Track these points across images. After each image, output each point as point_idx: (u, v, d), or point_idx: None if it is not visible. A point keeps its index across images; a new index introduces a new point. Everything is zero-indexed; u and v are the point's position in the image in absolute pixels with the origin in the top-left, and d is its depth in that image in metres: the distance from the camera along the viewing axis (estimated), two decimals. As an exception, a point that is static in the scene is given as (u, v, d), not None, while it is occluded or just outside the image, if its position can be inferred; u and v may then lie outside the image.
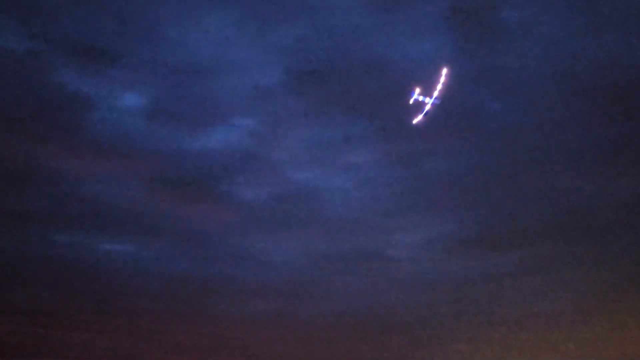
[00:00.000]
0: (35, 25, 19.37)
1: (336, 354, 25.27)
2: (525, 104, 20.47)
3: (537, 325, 22.44)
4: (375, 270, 23.88)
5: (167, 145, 22.11)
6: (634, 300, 21.37)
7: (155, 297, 24.64)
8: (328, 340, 24.53)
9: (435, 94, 18.29)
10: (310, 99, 21.29)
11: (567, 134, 21.10)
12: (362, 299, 24.24)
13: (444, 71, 18.45)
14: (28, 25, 19.38)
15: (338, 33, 20.17)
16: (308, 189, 23.32)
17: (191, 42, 20.31)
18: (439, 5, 19.67)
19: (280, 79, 20.87)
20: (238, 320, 24.65)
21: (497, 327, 22.51)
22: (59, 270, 24.05)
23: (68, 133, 21.40)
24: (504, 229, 22.58)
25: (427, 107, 18.34)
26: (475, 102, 20.84)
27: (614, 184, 21.21)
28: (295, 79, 20.83)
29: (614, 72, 19.54)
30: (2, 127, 21.12)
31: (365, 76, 20.87)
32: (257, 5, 19.61)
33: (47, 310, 24.61)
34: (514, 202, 22.30)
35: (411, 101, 18.39)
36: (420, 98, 18.44)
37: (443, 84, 18.33)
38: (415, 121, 18.80)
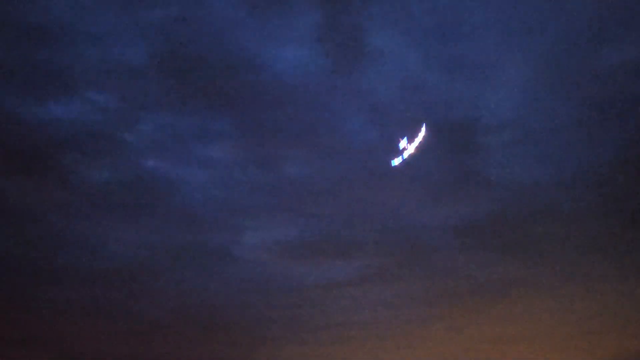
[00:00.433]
0: None
1: (164, 350, 24.61)
2: (381, 125, 21.77)
3: (369, 331, 24.18)
4: (217, 268, 23.74)
5: (4, 110, 19.77)
6: (454, 311, 24.12)
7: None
8: (159, 336, 23.79)
9: (415, 144, 19.86)
10: (174, 85, 20.43)
11: (409, 160, 22.81)
12: (199, 296, 23.88)
13: (423, 128, 19.99)
14: None
15: (210, 24, 19.67)
16: (158, 178, 22.34)
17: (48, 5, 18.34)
18: (313, 17, 20.10)
19: (144, 59, 19.67)
20: (62, 309, 22.84)
21: (331, 332, 23.78)
22: None
23: None
24: (345, 238, 23.87)
25: (406, 153, 19.93)
26: (339, 118, 21.70)
27: (445, 209, 23.45)
28: (159, 62, 19.81)
29: (459, 109, 21.53)
30: None
31: (232, 73, 20.58)
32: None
33: None
34: (356, 214, 23.65)
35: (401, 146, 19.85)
36: (403, 145, 19.89)
37: (422, 137, 19.91)
38: (394, 164, 20.21)
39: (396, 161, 20.27)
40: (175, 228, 22.99)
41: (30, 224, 22.40)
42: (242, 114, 21.56)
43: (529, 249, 23.42)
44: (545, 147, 22.43)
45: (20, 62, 19.23)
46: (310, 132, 22.03)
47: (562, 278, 23.74)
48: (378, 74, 21.35)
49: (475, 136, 22.06)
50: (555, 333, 24.25)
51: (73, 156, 21.45)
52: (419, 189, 22.99)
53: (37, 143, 20.70)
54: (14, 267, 22.54)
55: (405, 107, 21.86)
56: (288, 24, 20.19)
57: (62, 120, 20.54)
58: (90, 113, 20.85)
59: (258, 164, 22.60)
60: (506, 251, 23.57)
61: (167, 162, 22.35)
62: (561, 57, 20.59)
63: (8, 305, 22.66)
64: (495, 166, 22.62)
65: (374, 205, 23.44)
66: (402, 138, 21.02)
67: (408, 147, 19.99)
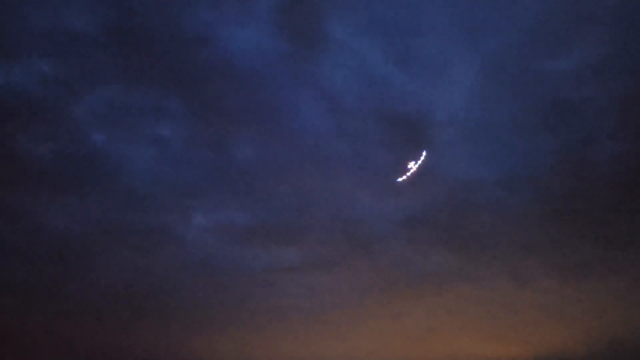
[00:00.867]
0: None
1: (102, 331, 24.02)
2: (335, 114, 21.95)
3: (313, 317, 24.49)
4: (161, 249, 23.29)
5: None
6: (396, 300, 24.80)
7: None
8: (98, 316, 23.17)
9: (420, 161, 21.94)
10: (125, 59, 19.86)
11: (360, 150, 23.17)
12: (141, 277, 23.41)
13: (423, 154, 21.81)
14: None
15: (167, -1, 19.23)
16: (104, 153, 21.64)
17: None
18: (273, 0, 20.00)
19: (95, 29, 19.05)
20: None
21: (274, 317, 23.93)
22: None
23: None
24: (293, 225, 23.97)
25: (412, 170, 21.84)
26: (293, 104, 21.71)
27: (391, 201, 23.94)
28: (112, 34, 19.21)
29: (412, 104, 22.00)
30: None
31: (187, 51, 20.24)
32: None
33: None
34: (305, 201, 23.80)
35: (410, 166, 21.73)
36: (411, 165, 21.81)
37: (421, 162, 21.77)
38: (399, 179, 22.10)
39: (401, 179, 22.15)
40: (119, 205, 22.41)
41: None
42: (195, 93, 21.25)
43: (469, 244, 24.24)
44: (489, 146, 23.25)
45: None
46: (264, 116, 21.96)
47: (499, 272, 24.73)
48: (335, 62, 21.50)
49: (425, 131, 22.61)
50: (489, 324, 25.26)
51: (13, 126, 20.53)
52: (369, 180, 23.38)
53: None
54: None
55: (359, 98, 22.21)
56: (247, 5, 19.99)
57: (2, 89, 19.65)
58: (34, 82, 20.02)
59: (208, 145, 22.35)
60: (447, 244, 24.31)
61: (114, 138, 21.74)
62: (510, 60, 21.37)
63: None
64: (442, 162, 23.26)
65: (323, 194, 23.64)
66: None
67: (413, 168, 21.97)
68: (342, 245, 23.90)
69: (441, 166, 23.29)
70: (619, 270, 24.23)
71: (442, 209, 23.68)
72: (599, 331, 24.66)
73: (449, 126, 22.59)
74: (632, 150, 21.76)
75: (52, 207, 22.12)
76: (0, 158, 20.94)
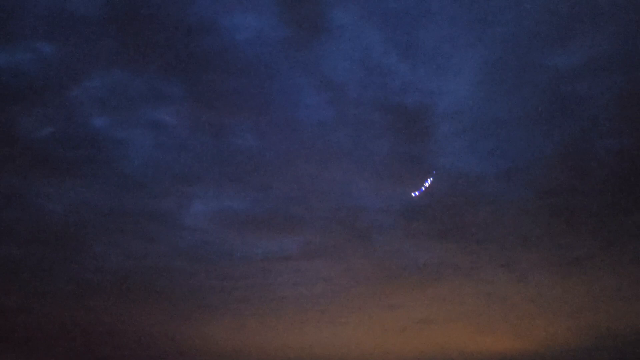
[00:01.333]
0: None
1: (95, 316, 24.09)
2: (336, 103, 21.87)
3: (308, 305, 24.61)
4: (159, 234, 23.32)
5: None
6: (391, 290, 24.92)
7: None
8: (94, 299, 23.24)
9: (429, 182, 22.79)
10: (127, 43, 19.71)
11: (361, 140, 23.13)
12: (139, 262, 23.45)
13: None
14: None
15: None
16: (103, 138, 21.56)
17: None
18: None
19: (99, 13, 18.84)
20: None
21: (271, 305, 24.03)
22: None
23: None
24: (291, 214, 24.00)
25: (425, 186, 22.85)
26: (294, 92, 21.60)
27: (390, 192, 23.94)
28: (114, 17, 19.03)
29: (413, 95, 21.95)
30: None
31: (189, 36, 20.11)
32: None
33: None
34: (304, 191, 23.81)
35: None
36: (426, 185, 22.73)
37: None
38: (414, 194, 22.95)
39: (416, 192, 23.23)
40: (118, 190, 22.38)
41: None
42: (196, 80, 21.14)
43: (467, 236, 24.33)
44: (489, 139, 23.24)
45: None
46: (264, 103, 21.89)
47: (496, 266, 24.86)
48: (337, 51, 21.42)
49: (426, 123, 22.57)
50: (485, 317, 25.44)
51: (13, 108, 20.42)
52: (368, 171, 23.38)
53: (-27, 91, 19.59)
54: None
55: (361, 87, 22.13)
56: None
57: (3, 71, 19.51)
58: (35, 64, 19.86)
59: (209, 132, 22.27)
60: (444, 236, 24.38)
61: (114, 122, 21.62)
62: (513, 53, 21.30)
63: None
64: (442, 154, 23.29)
65: (322, 184, 23.65)
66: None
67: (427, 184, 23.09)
68: (340, 235, 23.99)
69: (441, 158, 23.36)
70: (617, 266, 24.36)
71: (440, 201, 23.76)
72: (595, 326, 24.85)
73: (450, 118, 22.59)
74: (633, 146, 21.80)
75: (50, 191, 22.12)
76: (0, 140, 20.87)
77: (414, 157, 23.22)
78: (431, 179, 22.68)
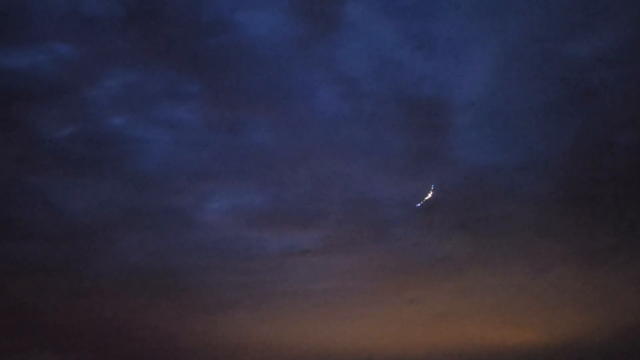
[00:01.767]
0: None
1: (119, 311, 24.47)
2: (351, 98, 21.90)
3: (326, 300, 24.73)
4: (178, 232, 23.56)
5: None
6: (410, 283, 24.93)
7: None
8: (114, 295, 23.61)
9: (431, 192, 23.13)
10: (143, 42, 19.97)
11: (377, 134, 23.12)
12: (158, 258, 23.72)
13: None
14: None
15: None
16: (121, 136, 21.83)
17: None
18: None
19: (115, 12, 19.15)
20: (13, 265, 22.38)
21: (289, 300, 24.20)
22: None
23: None
24: (308, 209, 24.12)
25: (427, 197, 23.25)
26: (309, 88, 21.70)
27: (407, 186, 23.88)
28: (129, 16, 19.30)
29: (428, 87, 21.89)
30: None
31: (204, 34, 20.31)
32: None
33: None
34: (321, 185, 23.88)
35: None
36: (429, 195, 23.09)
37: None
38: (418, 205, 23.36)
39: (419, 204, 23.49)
40: (137, 188, 22.67)
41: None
42: (212, 77, 21.34)
43: (486, 228, 24.17)
44: (507, 131, 23.09)
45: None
46: (280, 99, 22.01)
47: (515, 258, 24.64)
48: (351, 46, 21.44)
49: (442, 115, 22.48)
50: (504, 310, 25.24)
51: (33, 109, 20.80)
52: (384, 164, 23.36)
53: (-4, 92, 20.00)
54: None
55: (376, 81, 22.12)
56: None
57: (22, 71, 19.88)
58: (53, 64, 20.20)
59: (225, 129, 22.45)
60: (463, 229, 24.26)
61: (131, 121, 21.90)
62: (530, 43, 21.13)
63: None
64: (458, 146, 23.15)
65: (338, 178, 23.68)
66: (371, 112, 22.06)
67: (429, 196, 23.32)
68: (358, 229, 24.00)
69: (459, 150, 23.24)
70: (637, 257, 24.04)
71: (458, 193, 23.65)
72: (615, 318, 24.54)
73: (467, 110, 22.47)
74: (653, 135, 21.48)
75: (70, 190, 22.49)
76: (21, 141, 21.28)
77: (431, 149, 23.15)
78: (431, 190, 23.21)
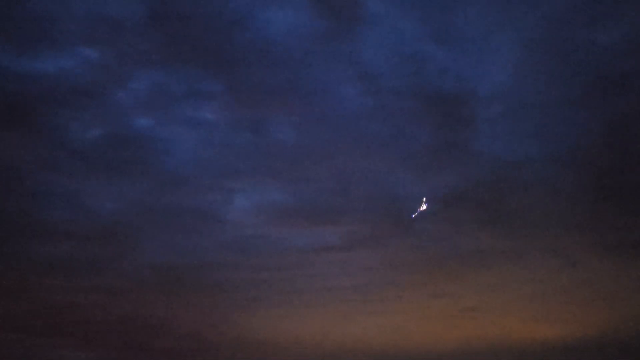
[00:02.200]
0: None
1: (147, 309, 24.87)
2: (373, 93, 21.84)
3: (353, 295, 24.74)
4: (202, 229, 23.88)
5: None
6: (437, 278, 24.73)
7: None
8: (142, 294, 24.05)
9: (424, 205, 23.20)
10: (166, 43, 20.25)
11: (400, 129, 23.00)
12: (183, 256, 24.06)
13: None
14: None
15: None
16: (146, 137, 22.23)
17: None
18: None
19: (138, 14, 19.46)
20: (45, 264, 22.97)
21: (316, 296, 24.27)
22: None
23: None
24: (333, 205, 24.14)
25: (421, 208, 23.34)
26: (331, 84, 21.73)
27: (431, 180, 23.74)
28: (153, 19, 19.60)
29: (451, 80, 21.70)
30: None
31: (226, 33, 20.49)
32: None
33: None
34: (345, 181, 23.88)
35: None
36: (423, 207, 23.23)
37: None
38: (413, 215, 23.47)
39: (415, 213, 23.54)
40: (163, 188, 23.04)
41: (16, 179, 22.35)
42: (234, 76, 21.52)
43: (513, 222, 23.81)
44: (533, 122, 22.70)
45: (8, 13, 18.99)
46: (302, 97, 22.08)
47: (544, 251, 24.23)
48: (373, 41, 21.37)
49: (466, 108, 22.24)
50: (534, 304, 24.83)
51: (62, 112, 21.28)
52: (408, 158, 23.22)
53: (26, 98, 20.49)
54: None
55: (398, 76, 22.00)
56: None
57: (51, 75, 20.32)
58: (81, 68, 20.64)
59: (248, 127, 22.64)
60: (490, 222, 23.95)
61: (157, 121, 22.28)
62: (554, 32, 20.73)
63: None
64: (484, 139, 22.87)
65: (361, 174, 23.64)
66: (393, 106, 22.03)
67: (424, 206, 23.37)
68: (382, 224, 23.92)
69: (483, 143, 22.95)
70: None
71: (484, 186, 23.35)
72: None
73: (491, 102, 22.17)
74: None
75: (100, 190, 22.96)
76: (49, 142, 21.81)
77: (455, 143, 22.89)
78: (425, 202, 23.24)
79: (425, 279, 24.64)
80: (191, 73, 21.46)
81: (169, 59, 21.02)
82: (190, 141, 22.74)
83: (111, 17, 19.60)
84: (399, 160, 23.26)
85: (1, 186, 22.30)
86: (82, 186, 22.73)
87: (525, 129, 22.82)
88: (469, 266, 24.55)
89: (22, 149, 21.76)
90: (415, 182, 23.56)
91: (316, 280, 24.60)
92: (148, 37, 20.17)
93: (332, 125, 22.75)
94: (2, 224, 22.59)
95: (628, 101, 21.35)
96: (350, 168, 23.46)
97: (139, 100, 21.78)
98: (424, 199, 22.95)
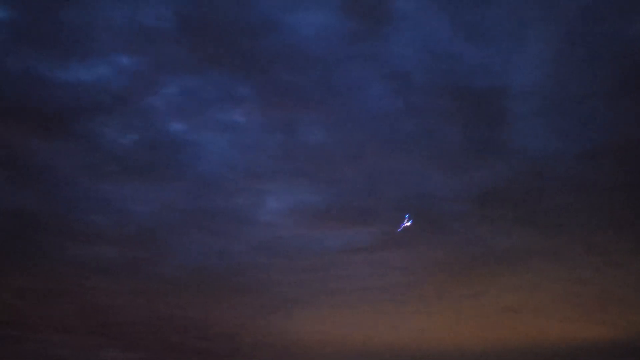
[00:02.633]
0: None
1: (183, 310, 25.39)
2: (403, 92, 21.68)
3: (385, 296, 24.70)
4: (235, 231, 24.23)
5: (26, 71, 20.05)
6: (470, 279, 24.46)
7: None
8: (178, 295, 24.56)
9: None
10: (198, 49, 20.58)
11: (431, 128, 22.76)
12: (217, 258, 24.49)
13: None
14: None
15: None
16: (180, 141, 22.67)
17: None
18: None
19: (169, 21, 19.81)
20: (86, 267, 23.72)
21: (347, 297, 24.34)
22: None
23: None
24: (363, 205, 24.10)
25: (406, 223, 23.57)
26: (360, 84, 21.64)
27: (465, 178, 23.42)
28: (184, 25, 19.94)
29: (483, 77, 21.31)
30: None
31: (256, 37, 20.64)
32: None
33: None
34: (375, 181, 23.80)
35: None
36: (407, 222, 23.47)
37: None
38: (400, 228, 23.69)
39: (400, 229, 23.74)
40: (196, 191, 23.45)
41: (58, 185, 23.12)
42: (264, 79, 21.69)
43: (548, 220, 23.34)
44: (568, 118, 22.14)
45: (45, 24, 19.57)
46: (332, 97, 22.09)
47: (581, 250, 23.68)
48: (402, 39, 21.17)
49: (499, 105, 21.85)
50: (573, 304, 24.33)
51: (98, 119, 21.88)
52: (440, 157, 22.98)
53: (64, 106, 21.12)
54: (42, 225, 23.38)
55: (428, 74, 21.76)
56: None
57: (87, 84, 20.88)
58: (115, 76, 21.19)
59: (279, 129, 22.80)
60: (524, 221, 23.53)
61: (190, 126, 22.70)
62: (590, 26, 20.14)
63: (34, 260, 23.64)
64: (517, 135, 22.44)
65: (394, 173, 23.53)
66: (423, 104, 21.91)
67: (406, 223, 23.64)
68: (414, 224, 23.76)
69: (518, 140, 22.52)
70: None
71: (519, 184, 22.94)
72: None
73: (525, 98, 21.74)
74: None
75: (135, 194, 23.54)
76: (89, 149, 22.46)
77: (488, 140, 22.54)
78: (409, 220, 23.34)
79: (460, 279, 24.42)
80: (222, 77, 21.76)
81: (200, 65, 21.34)
82: (222, 144, 23.13)
83: (144, 25, 20.02)
84: (431, 159, 23.09)
85: (44, 192, 23.17)
86: (119, 190, 23.39)
87: (560, 125, 22.31)
88: (504, 266, 24.22)
89: (62, 156, 22.51)
90: (448, 181, 23.38)
91: (349, 281, 24.69)
92: (179, 44, 20.54)
93: (363, 125, 22.72)
94: (46, 228, 23.45)
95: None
96: (382, 168, 23.42)
97: (172, 105, 22.25)
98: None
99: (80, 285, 24.35)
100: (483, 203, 23.44)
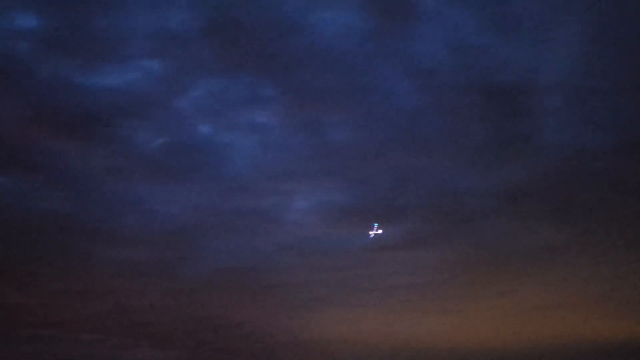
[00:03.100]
0: None
1: (214, 310, 25.65)
2: (429, 89, 21.52)
3: (414, 295, 24.57)
4: (263, 231, 24.38)
5: (58, 77, 20.53)
6: (500, 276, 24.17)
7: (28, 233, 23.44)
8: (208, 294, 24.84)
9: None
10: (223, 51, 20.79)
11: (457, 124, 22.54)
12: (246, 258, 24.68)
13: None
14: None
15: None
16: (207, 143, 22.92)
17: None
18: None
19: (195, 25, 20.07)
20: (118, 268, 24.17)
21: (376, 295, 24.30)
22: None
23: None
24: (391, 203, 24.00)
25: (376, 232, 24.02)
26: (386, 82, 21.59)
27: (493, 175, 23.13)
28: (210, 28, 20.19)
29: (510, 72, 21.03)
30: None
31: (280, 38, 20.77)
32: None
33: None
34: (402, 179, 23.69)
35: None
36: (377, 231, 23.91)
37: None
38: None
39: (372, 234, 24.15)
40: (225, 192, 23.68)
41: (90, 188, 23.62)
42: (290, 79, 21.80)
43: (578, 216, 22.88)
44: (599, 111, 21.68)
45: (76, 31, 20.04)
46: (357, 96, 22.07)
47: (613, 245, 23.11)
48: (427, 36, 21.01)
49: (526, 99, 21.52)
50: (611, 301, 23.77)
51: (128, 123, 22.29)
52: (469, 154, 22.74)
53: (95, 111, 21.59)
54: (74, 227, 23.90)
55: (454, 71, 21.56)
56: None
57: (117, 88, 21.28)
58: (144, 80, 21.53)
59: (305, 129, 22.86)
60: (554, 217, 23.11)
61: (217, 128, 22.96)
62: (617, 18, 19.71)
63: (68, 261, 24.20)
64: (546, 130, 22.09)
65: (420, 170, 23.37)
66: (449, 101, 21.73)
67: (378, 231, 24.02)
68: (442, 221, 23.57)
69: (547, 135, 22.15)
70: None
71: (549, 179, 22.53)
72: None
73: (554, 92, 21.37)
74: None
75: (165, 196, 23.93)
76: (120, 152, 22.90)
77: (517, 136, 22.19)
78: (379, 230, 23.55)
79: (491, 277, 24.10)
80: (248, 79, 21.96)
81: (226, 67, 21.57)
82: (249, 146, 23.33)
83: (171, 30, 20.35)
84: (458, 156, 22.85)
85: (77, 195, 23.72)
86: (150, 192, 23.79)
87: (592, 119, 21.84)
88: (535, 263, 23.80)
89: (94, 160, 23.01)
90: (476, 178, 23.11)
91: (377, 280, 24.62)
92: (206, 47, 20.79)
93: (389, 123, 22.63)
94: (79, 231, 23.97)
95: None
96: (409, 166, 23.28)
97: (200, 107, 22.54)
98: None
99: (112, 285, 24.83)
100: (513, 200, 23.10)
